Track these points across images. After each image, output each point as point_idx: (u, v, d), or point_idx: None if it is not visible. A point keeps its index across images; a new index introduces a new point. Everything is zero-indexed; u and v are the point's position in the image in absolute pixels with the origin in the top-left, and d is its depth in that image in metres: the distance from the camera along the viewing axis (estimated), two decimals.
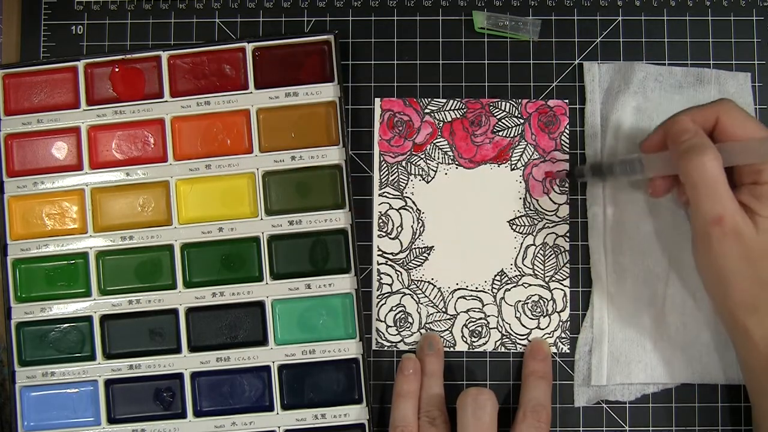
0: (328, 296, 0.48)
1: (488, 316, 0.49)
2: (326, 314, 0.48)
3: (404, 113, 0.50)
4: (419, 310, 0.49)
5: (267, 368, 0.48)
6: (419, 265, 0.49)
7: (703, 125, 0.41)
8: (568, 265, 0.49)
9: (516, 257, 0.49)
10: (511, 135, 0.50)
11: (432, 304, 0.49)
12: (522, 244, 0.49)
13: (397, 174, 0.50)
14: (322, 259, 0.48)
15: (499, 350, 0.49)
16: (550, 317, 0.49)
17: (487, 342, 0.49)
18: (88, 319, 0.48)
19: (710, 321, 0.48)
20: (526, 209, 0.49)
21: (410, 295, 0.49)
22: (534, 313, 0.49)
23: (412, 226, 0.49)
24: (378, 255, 0.49)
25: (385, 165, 0.50)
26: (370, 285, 0.49)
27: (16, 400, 0.48)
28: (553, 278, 0.49)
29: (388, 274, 0.49)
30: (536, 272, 0.49)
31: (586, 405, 0.48)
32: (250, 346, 0.48)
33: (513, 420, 0.46)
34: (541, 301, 0.49)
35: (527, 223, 0.49)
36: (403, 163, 0.50)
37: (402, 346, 0.49)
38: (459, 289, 0.49)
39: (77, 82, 0.49)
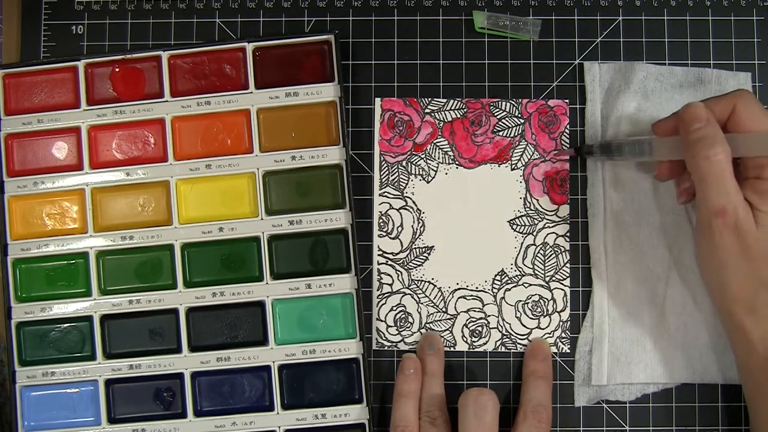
0: (329, 296, 0.48)
1: (488, 315, 0.49)
2: (326, 314, 0.48)
3: (404, 113, 0.50)
4: (419, 309, 0.49)
5: (267, 368, 0.48)
6: (419, 265, 0.49)
7: (719, 115, 0.41)
8: (568, 265, 0.49)
9: (516, 257, 0.49)
10: (512, 135, 0.50)
11: (432, 304, 0.49)
12: (522, 243, 0.49)
13: (397, 174, 0.50)
14: (322, 258, 0.48)
15: (499, 350, 0.49)
16: (550, 317, 0.49)
17: (487, 342, 0.49)
18: (89, 318, 0.48)
19: (710, 321, 0.48)
20: (527, 209, 0.49)
21: (410, 294, 0.49)
22: (534, 312, 0.49)
23: (412, 226, 0.49)
24: (378, 255, 0.49)
25: (385, 165, 0.50)
26: (370, 285, 0.49)
27: (17, 399, 0.48)
28: (554, 278, 0.49)
29: (389, 274, 0.49)
30: (536, 272, 0.49)
31: (587, 405, 0.48)
32: (251, 345, 0.48)
33: (513, 420, 0.46)
34: (541, 300, 0.49)
35: (527, 223, 0.49)
36: (404, 163, 0.50)
37: (402, 346, 0.49)
38: (459, 288, 0.49)
39: (77, 82, 0.49)
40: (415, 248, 0.49)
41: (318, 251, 0.48)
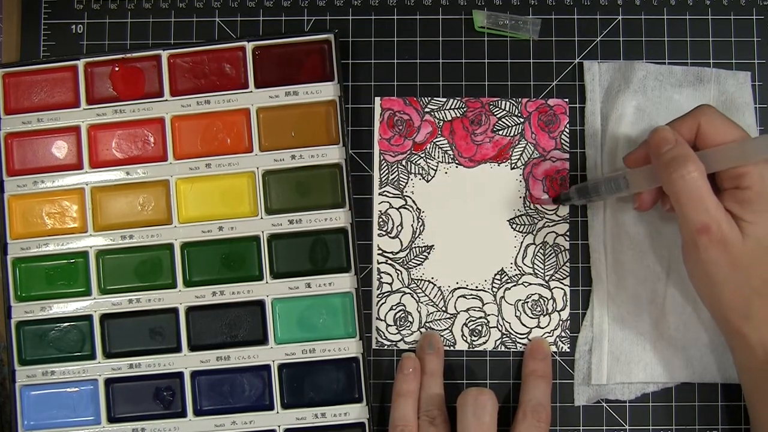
0: (328, 295, 0.48)
1: (488, 315, 0.49)
2: (326, 313, 0.48)
3: (404, 112, 0.50)
4: (419, 309, 0.49)
5: (267, 367, 0.48)
6: (419, 264, 0.49)
7: (686, 135, 0.41)
8: (568, 264, 0.49)
9: (516, 256, 0.49)
10: (511, 134, 0.50)
11: (432, 303, 0.49)
12: (522, 243, 0.49)
13: (397, 173, 0.50)
14: (322, 258, 0.48)
15: (499, 349, 0.49)
16: (550, 316, 0.49)
17: (487, 341, 0.49)
18: (88, 318, 0.48)
19: (710, 321, 0.48)
20: (526, 208, 0.49)
21: (410, 294, 0.49)
22: (534, 312, 0.49)
23: (412, 225, 0.49)
24: (378, 254, 0.49)
25: (385, 164, 0.50)
26: (370, 284, 0.49)
27: (16, 399, 0.48)
28: (553, 277, 0.49)
29: (388, 273, 0.49)
30: (536, 271, 0.49)
31: (586, 404, 0.48)
32: (250, 345, 0.48)
33: (513, 419, 0.46)
34: (541, 300, 0.49)
35: (527, 222, 0.49)
36: (403, 162, 0.50)
37: (402, 345, 0.49)
38: (459, 288, 0.49)
39: (77, 82, 0.49)
40: (414, 247, 0.49)
41: (318, 250, 0.48)
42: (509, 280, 0.49)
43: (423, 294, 0.49)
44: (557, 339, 0.49)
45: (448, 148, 0.50)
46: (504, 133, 0.50)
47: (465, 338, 0.49)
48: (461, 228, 0.49)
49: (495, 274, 0.49)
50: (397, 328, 0.49)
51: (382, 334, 0.49)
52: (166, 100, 0.49)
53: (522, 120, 0.50)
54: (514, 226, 0.49)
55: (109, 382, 0.48)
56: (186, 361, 0.48)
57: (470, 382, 0.48)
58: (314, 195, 0.48)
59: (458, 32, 0.50)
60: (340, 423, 0.47)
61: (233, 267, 0.48)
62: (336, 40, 0.48)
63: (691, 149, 0.40)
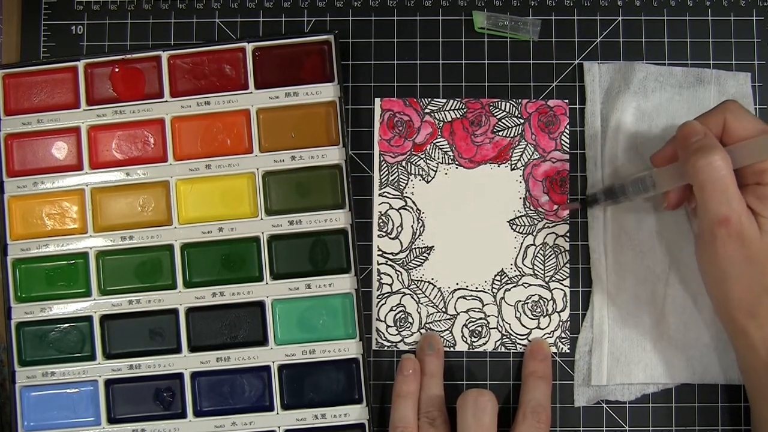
0: (328, 296, 0.48)
1: (488, 316, 0.49)
2: (326, 314, 0.48)
3: (404, 113, 0.50)
4: (419, 310, 0.49)
5: (267, 368, 0.48)
6: (419, 265, 0.49)
7: (713, 129, 0.42)
8: (568, 265, 0.49)
9: (516, 257, 0.49)
10: (511, 135, 0.50)
11: (432, 304, 0.49)
12: (522, 244, 0.49)
13: (397, 174, 0.50)
14: (322, 259, 0.48)
15: (499, 350, 0.49)
16: (550, 317, 0.49)
17: (487, 342, 0.49)
18: (88, 319, 0.48)
19: (710, 321, 0.48)
20: (526, 209, 0.49)
21: (410, 295, 0.49)
22: (534, 313, 0.49)
23: (412, 226, 0.49)
24: (378, 255, 0.49)
25: (385, 165, 0.50)
26: (370, 285, 0.49)
27: (16, 400, 0.48)
28: (553, 278, 0.49)
29: (388, 274, 0.49)
30: (536, 272, 0.49)
31: (586, 405, 0.48)
32: (250, 346, 0.48)
33: (513, 420, 0.46)
34: (541, 301, 0.49)
35: (527, 223, 0.49)
36: (403, 163, 0.50)
37: (402, 346, 0.49)
38: (459, 289, 0.49)
39: (77, 82, 0.49)
40: (414, 248, 0.49)
41: (318, 251, 0.48)
42: (509, 281, 0.49)
43: (423, 295, 0.49)
44: (557, 340, 0.49)
45: (448, 149, 0.50)
46: (504, 134, 0.50)
47: (465, 339, 0.49)
48: (461, 229, 0.49)
49: (495, 275, 0.49)
50: (397, 329, 0.49)
51: (382, 335, 0.49)
52: (166, 101, 0.49)
53: (522, 121, 0.50)
54: (514, 227, 0.49)
55: (109, 383, 0.48)
56: (186, 362, 0.48)
57: (470, 383, 0.48)
58: (314, 196, 0.48)
59: (458, 33, 0.50)
60: (340, 424, 0.47)
61: (233, 268, 0.48)
62: (336, 41, 0.48)
63: (717, 141, 0.40)
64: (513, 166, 0.49)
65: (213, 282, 0.48)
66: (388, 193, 0.50)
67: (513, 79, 0.50)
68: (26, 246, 0.49)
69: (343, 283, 0.48)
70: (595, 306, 0.48)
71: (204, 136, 0.49)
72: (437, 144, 0.50)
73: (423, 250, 0.49)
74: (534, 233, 0.49)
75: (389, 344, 0.49)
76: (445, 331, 0.49)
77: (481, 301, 0.49)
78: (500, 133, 0.50)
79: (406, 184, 0.50)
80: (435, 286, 0.49)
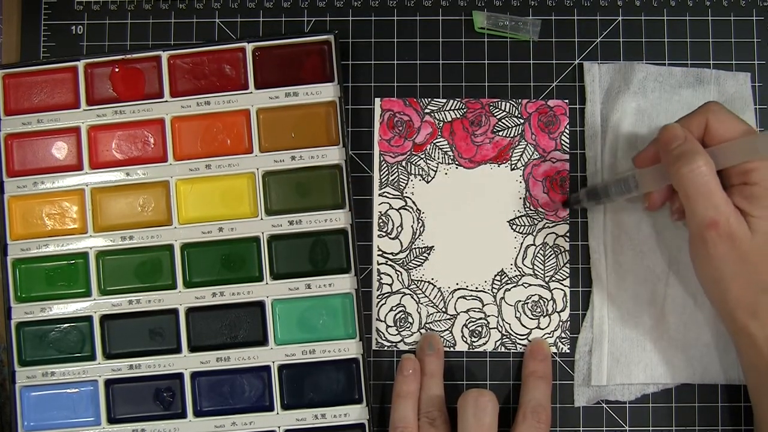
0: (328, 296, 0.48)
1: (488, 316, 0.49)
2: (326, 314, 0.48)
3: (404, 113, 0.50)
4: (419, 310, 0.49)
5: (267, 368, 0.48)
6: (419, 265, 0.49)
7: (695, 132, 0.42)
8: (568, 265, 0.49)
9: (516, 257, 0.49)
10: (511, 135, 0.50)
11: (432, 304, 0.49)
12: (522, 244, 0.49)
13: (397, 174, 0.50)
14: (322, 259, 0.48)
15: (499, 350, 0.49)
16: (550, 317, 0.49)
17: (487, 342, 0.49)
18: (88, 319, 0.48)
19: (710, 321, 0.48)
20: (526, 209, 0.49)
21: (410, 295, 0.49)
22: (534, 313, 0.49)
23: (412, 226, 0.49)
24: (378, 255, 0.49)
25: (385, 165, 0.50)
26: (370, 285, 0.49)
27: (16, 400, 0.48)
28: (553, 278, 0.49)
29: (388, 274, 0.49)
30: (536, 272, 0.49)
31: (586, 405, 0.48)
32: (250, 346, 0.48)
33: (513, 421, 0.46)
34: (541, 301, 0.49)
35: (527, 223, 0.49)
36: (403, 163, 0.50)
37: (402, 346, 0.49)
38: (459, 289, 0.49)
39: (77, 82, 0.49)
40: (414, 248, 0.49)
41: (318, 251, 0.48)
42: (509, 281, 0.49)
43: (423, 295, 0.49)
44: (557, 340, 0.49)
45: (448, 149, 0.50)
46: (504, 134, 0.50)
47: (465, 339, 0.49)
48: (461, 229, 0.49)
49: (495, 275, 0.49)
50: (397, 329, 0.49)
51: (382, 335, 0.49)
52: (166, 101, 0.49)
53: (522, 121, 0.50)
54: (514, 227, 0.49)
55: (109, 383, 0.48)
56: (186, 362, 0.48)
57: (470, 383, 0.48)
58: (314, 196, 0.48)
59: (458, 33, 0.50)
60: (340, 424, 0.47)
61: (233, 268, 0.48)
62: (336, 41, 0.48)
63: (700, 145, 0.40)
64: (513, 166, 0.49)
65: (213, 282, 0.48)
66: (388, 193, 0.50)
67: (513, 79, 0.50)
68: (26, 246, 0.49)
69: (343, 283, 0.48)
70: (595, 306, 0.48)
71: (204, 136, 0.49)
72: (437, 144, 0.50)
73: (423, 250, 0.49)
74: (534, 233, 0.49)
75: (389, 344, 0.49)
76: (445, 331, 0.49)
77: (481, 301, 0.49)
78: (500, 133, 0.50)
79: (406, 184, 0.50)
80: (435, 286, 0.49)
